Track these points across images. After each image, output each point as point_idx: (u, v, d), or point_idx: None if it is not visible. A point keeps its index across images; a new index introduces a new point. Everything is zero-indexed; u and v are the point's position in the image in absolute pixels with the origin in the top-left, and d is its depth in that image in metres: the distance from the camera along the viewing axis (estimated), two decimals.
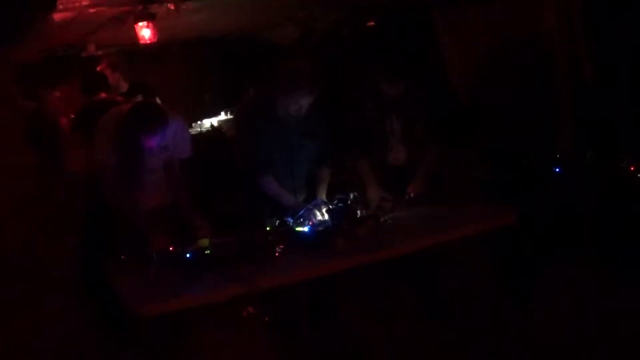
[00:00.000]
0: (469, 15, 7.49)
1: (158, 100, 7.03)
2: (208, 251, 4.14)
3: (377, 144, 5.38)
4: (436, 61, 7.65)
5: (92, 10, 5.74)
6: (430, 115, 5.36)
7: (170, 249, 4.24)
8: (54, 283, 3.55)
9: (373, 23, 8.25)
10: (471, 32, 7.44)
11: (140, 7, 5.78)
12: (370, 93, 5.30)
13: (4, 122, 3.36)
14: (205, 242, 4.23)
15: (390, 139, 5.38)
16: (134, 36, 6.00)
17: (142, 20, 5.84)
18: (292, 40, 8.81)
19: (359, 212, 4.60)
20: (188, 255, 4.10)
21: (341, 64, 8.57)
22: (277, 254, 4.22)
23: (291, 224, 4.49)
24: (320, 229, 4.42)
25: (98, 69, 7.48)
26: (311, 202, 4.76)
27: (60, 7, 5.36)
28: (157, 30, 5.89)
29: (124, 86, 7.33)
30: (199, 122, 9.39)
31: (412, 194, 5.22)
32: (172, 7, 5.62)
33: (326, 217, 4.54)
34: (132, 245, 4.40)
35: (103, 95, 6.34)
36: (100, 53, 7.89)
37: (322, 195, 4.95)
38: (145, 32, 5.92)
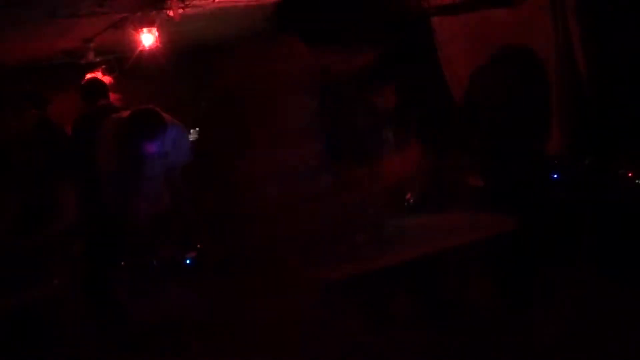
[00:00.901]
0: (467, 23, 7.50)
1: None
2: (206, 257, 4.13)
3: (372, 153, 5.39)
4: (434, 68, 7.66)
5: (91, 17, 5.75)
6: (425, 124, 5.39)
7: (170, 255, 4.24)
8: None
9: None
10: (468, 39, 7.45)
11: (139, 14, 5.78)
12: (364, 102, 5.32)
13: None
14: (203, 248, 4.23)
15: (385, 147, 5.39)
16: (134, 43, 6.01)
17: (142, 27, 5.85)
18: None
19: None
20: (187, 262, 4.09)
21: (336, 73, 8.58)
22: None
23: None
24: None
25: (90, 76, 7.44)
26: None
27: (60, 13, 5.36)
28: (157, 37, 5.90)
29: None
30: (196, 129, 9.36)
31: (406, 201, 5.23)
32: (171, 14, 5.62)
33: None
34: (132, 252, 4.40)
35: (102, 102, 6.31)
36: (99, 60, 7.88)
37: None
38: (145, 39, 5.93)
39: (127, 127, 4.66)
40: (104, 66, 7.65)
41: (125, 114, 4.84)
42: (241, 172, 3.88)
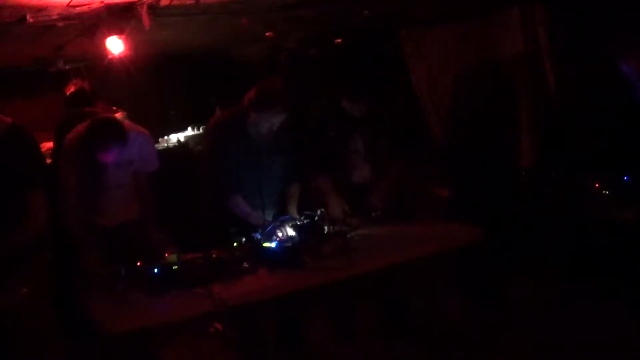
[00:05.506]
0: (436, 35, 7.57)
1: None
2: (175, 267, 4.12)
3: (341, 161, 5.41)
4: (404, 80, 7.72)
5: (60, 24, 5.72)
6: (394, 133, 5.41)
7: (138, 264, 4.21)
8: None
9: (340, 41, 8.30)
10: (438, 51, 7.52)
11: (109, 22, 5.76)
12: (334, 112, 5.33)
13: None
14: (172, 258, 4.21)
15: (354, 157, 5.40)
16: (103, 51, 5.98)
17: (111, 34, 5.83)
18: (259, 58, 8.83)
19: (326, 228, 4.62)
20: (155, 272, 4.08)
21: (307, 83, 8.62)
22: (244, 270, 4.22)
23: (259, 239, 4.49)
24: (288, 245, 4.42)
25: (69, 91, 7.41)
26: (279, 218, 4.77)
27: (30, 20, 5.34)
28: (126, 44, 5.88)
29: None
30: (165, 138, 9.34)
31: (374, 209, 5.24)
32: (143, 22, 5.60)
33: (293, 233, 4.55)
34: (102, 260, 4.37)
35: (86, 109, 6.28)
36: (68, 67, 7.85)
37: (293, 212, 4.96)
38: (114, 47, 5.90)
39: (84, 137, 4.63)
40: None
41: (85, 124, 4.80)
42: None
